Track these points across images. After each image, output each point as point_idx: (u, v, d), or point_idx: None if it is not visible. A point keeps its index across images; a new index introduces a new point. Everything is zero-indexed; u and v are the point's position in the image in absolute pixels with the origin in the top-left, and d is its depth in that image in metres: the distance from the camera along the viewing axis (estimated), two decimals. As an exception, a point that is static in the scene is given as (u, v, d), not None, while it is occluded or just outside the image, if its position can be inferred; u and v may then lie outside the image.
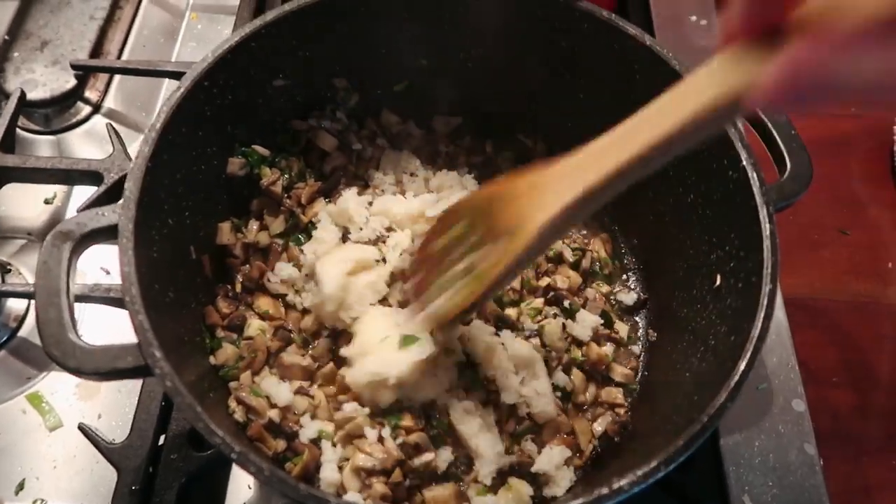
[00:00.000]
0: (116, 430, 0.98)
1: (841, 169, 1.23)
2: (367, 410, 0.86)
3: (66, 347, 0.69)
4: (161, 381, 0.66)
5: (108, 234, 0.77)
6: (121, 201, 0.77)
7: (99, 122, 1.32)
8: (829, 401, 1.02)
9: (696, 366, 0.87)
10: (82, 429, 0.95)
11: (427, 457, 0.84)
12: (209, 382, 0.86)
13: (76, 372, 0.69)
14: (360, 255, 0.96)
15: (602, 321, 1.00)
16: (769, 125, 0.93)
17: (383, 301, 0.96)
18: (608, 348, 0.98)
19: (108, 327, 1.06)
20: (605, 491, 0.67)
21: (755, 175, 0.83)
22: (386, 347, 0.86)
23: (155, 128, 0.82)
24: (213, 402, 0.82)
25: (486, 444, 0.86)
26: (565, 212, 0.69)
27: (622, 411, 0.95)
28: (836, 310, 1.10)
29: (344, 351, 0.92)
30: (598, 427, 0.93)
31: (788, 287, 1.08)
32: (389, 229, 1.02)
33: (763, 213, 0.81)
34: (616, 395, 0.95)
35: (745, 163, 0.84)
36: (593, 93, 1.03)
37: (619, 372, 0.97)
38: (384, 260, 0.98)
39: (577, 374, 0.96)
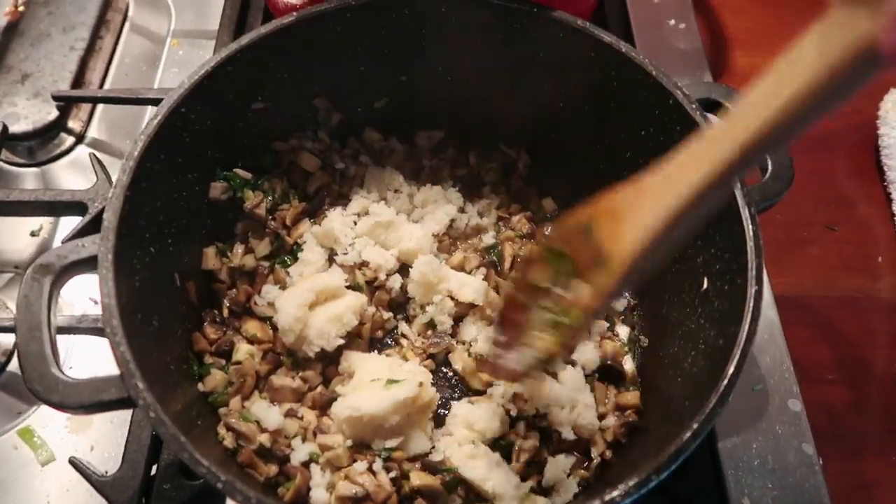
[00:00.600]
0: (109, 461, 0.97)
1: (826, 165, 1.23)
2: (348, 442, 0.86)
3: (49, 382, 0.68)
4: (144, 412, 0.65)
5: (88, 265, 0.77)
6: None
7: (83, 152, 1.32)
8: (824, 398, 1.02)
9: (688, 370, 0.86)
10: (73, 463, 0.94)
11: None
12: (197, 410, 0.85)
13: (59, 406, 0.68)
14: (325, 285, 0.95)
15: (607, 324, 1.00)
16: None
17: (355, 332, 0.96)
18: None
19: (99, 358, 1.05)
20: (596, 503, 0.66)
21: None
22: (373, 387, 0.86)
23: (132, 156, 0.82)
24: (202, 430, 0.81)
25: (500, 484, 0.84)
26: (659, 232, 0.60)
27: (631, 412, 0.94)
28: (827, 306, 1.10)
29: (339, 388, 0.92)
30: (609, 436, 0.92)
31: (779, 285, 1.07)
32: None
33: (745, 214, 0.81)
34: (630, 398, 0.94)
35: None
36: (572, 101, 1.03)
37: (629, 367, 0.97)
38: (366, 285, 0.98)
39: (598, 387, 0.95)
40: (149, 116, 1.29)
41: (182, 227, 0.93)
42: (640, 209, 0.62)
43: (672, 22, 1.34)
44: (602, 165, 1.04)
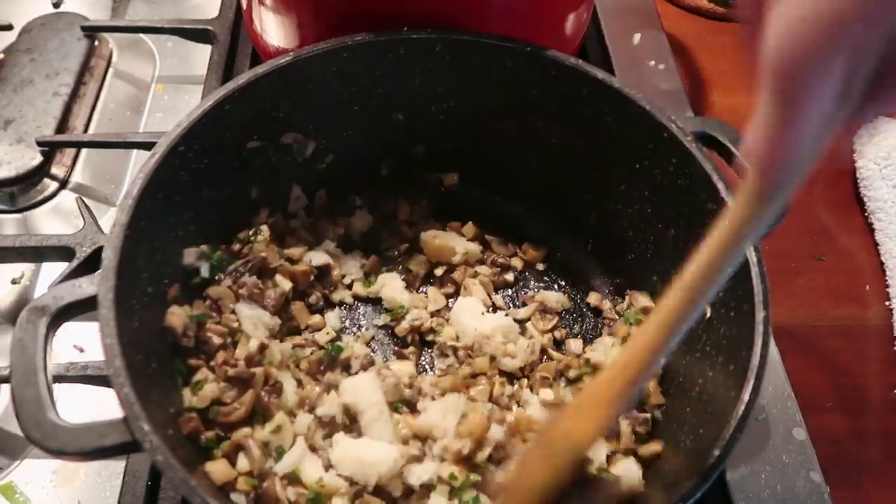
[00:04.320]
0: (96, 518, 0.93)
1: (807, 198, 1.26)
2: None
3: (47, 428, 0.65)
4: (151, 455, 0.62)
5: (86, 306, 0.74)
6: (99, 272, 0.75)
7: (67, 197, 1.29)
8: (825, 427, 1.02)
9: (696, 398, 0.86)
10: (60, 519, 0.89)
11: None
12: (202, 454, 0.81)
13: (59, 454, 0.65)
14: None
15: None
16: (737, 154, 0.95)
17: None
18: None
19: (84, 407, 1.01)
20: None
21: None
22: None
23: (132, 194, 0.80)
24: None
25: None
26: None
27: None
28: (819, 335, 1.11)
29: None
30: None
31: (773, 316, 1.08)
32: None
33: None
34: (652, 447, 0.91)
35: (723, 194, 0.86)
36: (567, 138, 1.05)
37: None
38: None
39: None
40: (136, 161, 1.30)
41: (178, 267, 0.91)
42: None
43: (652, 63, 1.38)
44: (592, 197, 1.06)
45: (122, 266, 0.75)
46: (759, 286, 0.78)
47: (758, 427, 0.98)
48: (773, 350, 1.05)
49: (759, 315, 0.76)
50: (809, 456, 0.96)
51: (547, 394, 0.93)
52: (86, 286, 0.76)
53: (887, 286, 1.14)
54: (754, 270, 0.79)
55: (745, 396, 0.71)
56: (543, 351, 1.02)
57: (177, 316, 0.86)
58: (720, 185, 0.87)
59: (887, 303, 1.13)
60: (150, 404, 0.70)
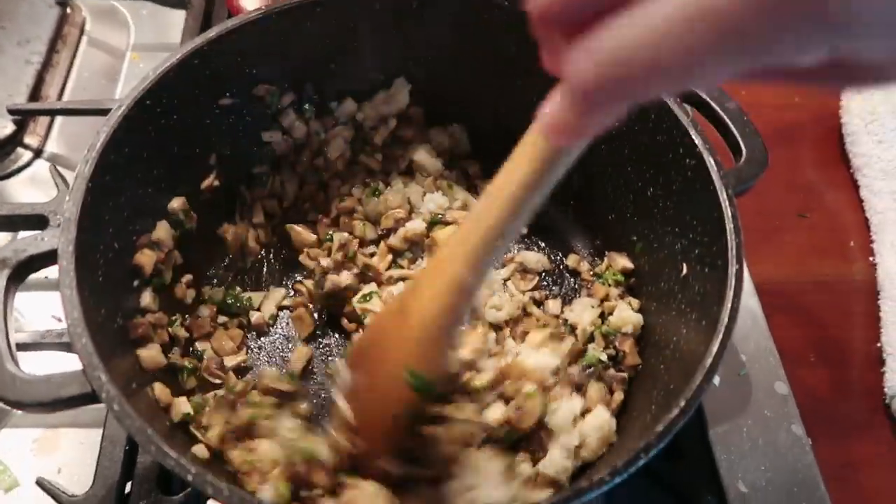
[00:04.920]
0: (78, 484, 0.91)
1: (794, 156, 1.25)
2: None
3: (5, 379, 0.64)
4: (108, 404, 0.61)
5: (48, 259, 0.73)
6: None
7: (41, 166, 1.27)
8: (808, 381, 1.01)
9: (671, 356, 0.84)
10: (41, 483, 0.88)
11: None
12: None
13: (16, 405, 0.63)
14: None
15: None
16: (720, 112, 0.94)
17: None
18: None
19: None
20: (584, 484, 0.63)
21: (712, 160, 0.83)
22: None
23: (95, 147, 0.78)
24: (173, 428, 0.76)
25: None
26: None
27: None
28: (803, 292, 1.10)
29: None
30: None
31: (755, 274, 1.07)
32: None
33: (723, 196, 0.80)
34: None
35: (700, 149, 0.84)
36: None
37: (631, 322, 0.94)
38: None
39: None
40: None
41: (148, 225, 0.89)
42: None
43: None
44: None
45: (83, 219, 0.73)
46: (734, 240, 0.77)
47: (739, 382, 0.97)
48: (756, 306, 1.04)
49: (732, 269, 0.75)
50: (791, 409, 0.95)
51: (533, 339, 0.92)
52: (49, 239, 0.74)
53: (871, 242, 1.13)
54: (729, 226, 0.77)
55: (714, 348, 0.69)
56: (524, 311, 1.01)
57: (147, 256, 0.85)
58: (697, 141, 0.85)
59: (871, 258, 1.12)
60: (113, 358, 0.68)
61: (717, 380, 0.97)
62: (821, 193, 1.20)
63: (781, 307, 1.07)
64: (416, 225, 1.03)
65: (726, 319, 0.73)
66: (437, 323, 0.64)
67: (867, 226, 1.15)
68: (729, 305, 0.73)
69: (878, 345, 1.03)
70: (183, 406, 0.79)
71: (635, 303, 0.97)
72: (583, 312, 0.98)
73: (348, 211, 1.07)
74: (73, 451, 0.95)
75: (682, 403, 0.68)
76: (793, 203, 1.19)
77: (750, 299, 1.05)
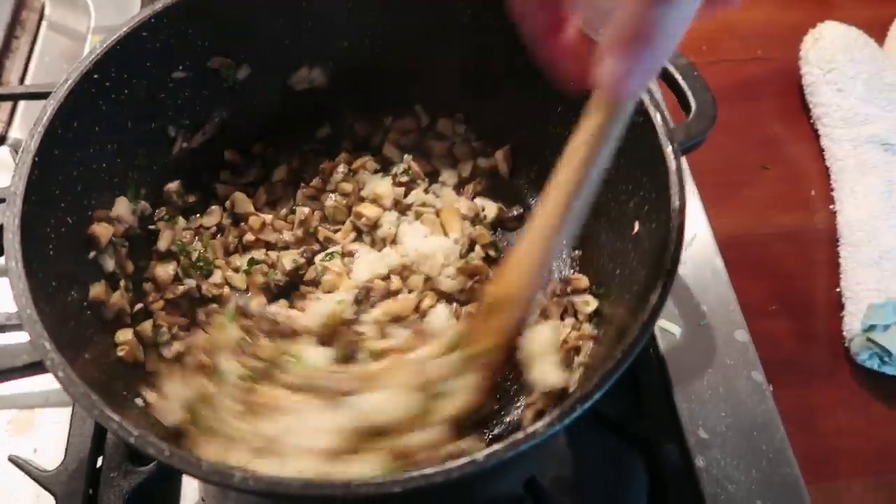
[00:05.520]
0: (54, 462, 0.92)
1: (755, 110, 1.25)
2: None
3: (-47, 350, 0.64)
4: (54, 373, 0.61)
5: (-4, 235, 0.73)
6: (8, 200, 0.73)
7: (3, 153, 1.26)
8: (770, 331, 1.02)
9: (622, 316, 0.84)
10: (13, 460, 0.89)
11: None
12: (124, 383, 0.80)
13: (-33, 375, 0.64)
14: None
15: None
16: (670, 69, 0.93)
17: None
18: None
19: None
20: (519, 436, 0.63)
21: (658, 116, 0.82)
22: None
23: (41, 122, 0.78)
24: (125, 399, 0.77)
25: None
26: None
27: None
28: (765, 243, 1.11)
29: None
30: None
31: (719, 227, 1.08)
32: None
33: (668, 150, 0.80)
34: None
35: (647, 105, 0.83)
36: (508, 61, 1.02)
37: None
38: None
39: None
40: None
41: (106, 199, 0.89)
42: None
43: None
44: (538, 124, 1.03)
45: (30, 193, 0.73)
46: (677, 193, 0.76)
47: (701, 333, 0.98)
48: (716, 258, 1.04)
49: (675, 222, 0.74)
50: (751, 357, 0.96)
51: None
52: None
53: (832, 189, 1.13)
54: (673, 179, 0.77)
55: (653, 298, 0.70)
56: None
57: (103, 228, 0.85)
58: (645, 97, 0.83)
59: (832, 206, 1.12)
60: (65, 329, 0.68)
61: (678, 331, 0.99)
62: (783, 145, 1.21)
63: (745, 260, 1.08)
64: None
65: (665, 273, 0.72)
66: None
67: (828, 175, 1.15)
68: (670, 259, 0.73)
69: (838, 290, 1.04)
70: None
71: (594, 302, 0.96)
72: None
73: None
74: (47, 430, 0.96)
75: (618, 355, 0.68)
76: (755, 156, 1.20)
77: (710, 251, 1.05)
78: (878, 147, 1.10)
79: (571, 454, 0.95)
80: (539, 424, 0.63)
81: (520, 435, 0.62)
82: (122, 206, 0.93)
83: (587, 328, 0.93)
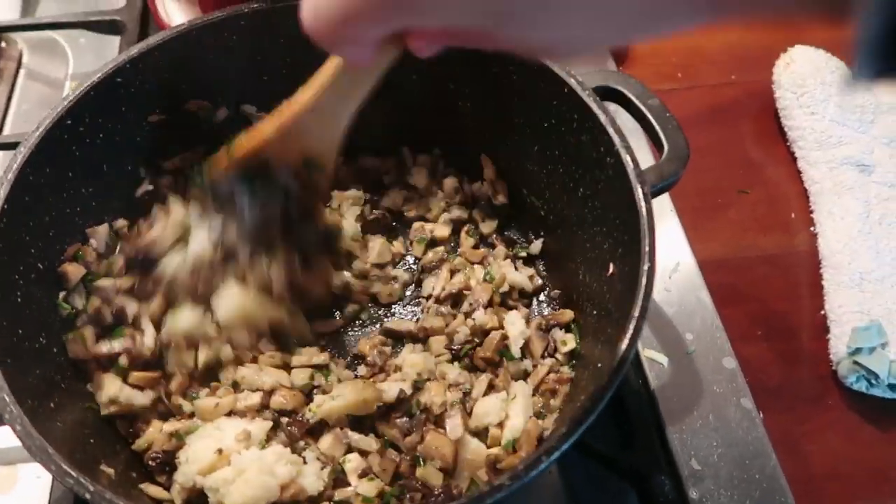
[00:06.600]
0: (38, 519, 0.90)
1: (732, 133, 1.26)
2: None
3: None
4: (11, 426, 0.60)
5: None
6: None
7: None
8: (757, 356, 1.01)
9: (598, 358, 0.83)
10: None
11: None
12: (90, 430, 0.78)
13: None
14: None
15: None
16: (643, 109, 0.93)
17: None
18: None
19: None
20: (485, 489, 0.64)
21: (628, 158, 0.82)
22: None
23: (11, 169, 0.78)
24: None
25: None
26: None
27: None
28: (748, 266, 1.11)
29: None
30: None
31: (701, 251, 1.08)
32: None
33: (638, 194, 0.80)
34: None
35: (618, 146, 0.83)
36: (474, 99, 1.03)
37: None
38: None
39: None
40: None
41: (78, 239, 0.89)
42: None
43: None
44: (514, 163, 1.04)
45: (-3, 242, 0.72)
46: (647, 237, 0.76)
47: (688, 362, 0.98)
48: (700, 284, 1.04)
49: (644, 267, 0.74)
50: (740, 384, 0.95)
51: None
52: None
53: (811, 212, 1.14)
54: (643, 222, 0.77)
55: (621, 346, 0.70)
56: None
57: (74, 267, 0.85)
58: (615, 139, 0.84)
59: (812, 228, 1.12)
60: (27, 377, 0.67)
61: (665, 361, 0.98)
62: (761, 168, 1.21)
63: (728, 284, 1.08)
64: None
65: (635, 318, 0.72)
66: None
67: (807, 196, 1.16)
68: (639, 305, 0.72)
69: (822, 312, 1.04)
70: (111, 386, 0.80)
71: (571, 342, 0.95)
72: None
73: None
74: (30, 485, 0.93)
75: (588, 404, 0.67)
76: (734, 180, 1.20)
77: (694, 276, 1.05)
78: (854, 168, 1.11)
79: (563, 486, 0.93)
80: (504, 479, 0.63)
81: (486, 488, 0.62)
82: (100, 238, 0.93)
83: (565, 371, 0.92)
